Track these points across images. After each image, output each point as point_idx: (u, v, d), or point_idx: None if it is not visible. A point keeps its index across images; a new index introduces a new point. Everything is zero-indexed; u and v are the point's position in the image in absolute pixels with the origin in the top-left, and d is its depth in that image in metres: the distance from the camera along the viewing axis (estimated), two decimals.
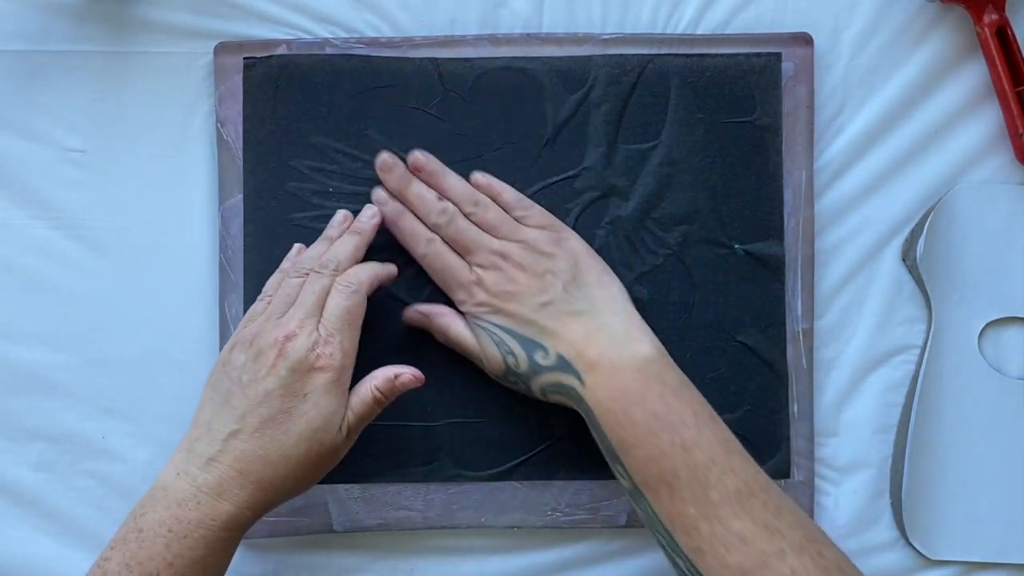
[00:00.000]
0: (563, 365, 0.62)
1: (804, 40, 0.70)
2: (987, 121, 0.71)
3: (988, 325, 0.70)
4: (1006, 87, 0.68)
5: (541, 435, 0.69)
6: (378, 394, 0.62)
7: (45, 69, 0.71)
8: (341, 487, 0.69)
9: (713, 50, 0.70)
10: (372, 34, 0.71)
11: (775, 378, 0.69)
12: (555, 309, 0.63)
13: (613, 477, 0.68)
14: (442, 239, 0.66)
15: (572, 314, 0.62)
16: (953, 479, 0.69)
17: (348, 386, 0.61)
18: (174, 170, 0.71)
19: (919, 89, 0.71)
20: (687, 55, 0.69)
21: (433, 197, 0.66)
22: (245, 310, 0.69)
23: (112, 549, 0.57)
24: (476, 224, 0.66)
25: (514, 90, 0.69)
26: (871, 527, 0.70)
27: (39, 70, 0.71)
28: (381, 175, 0.67)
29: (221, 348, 0.69)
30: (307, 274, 0.63)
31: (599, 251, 0.69)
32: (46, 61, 0.71)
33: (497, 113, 0.69)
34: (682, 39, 0.70)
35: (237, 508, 0.58)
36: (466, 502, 0.69)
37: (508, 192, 0.67)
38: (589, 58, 0.69)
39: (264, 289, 0.65)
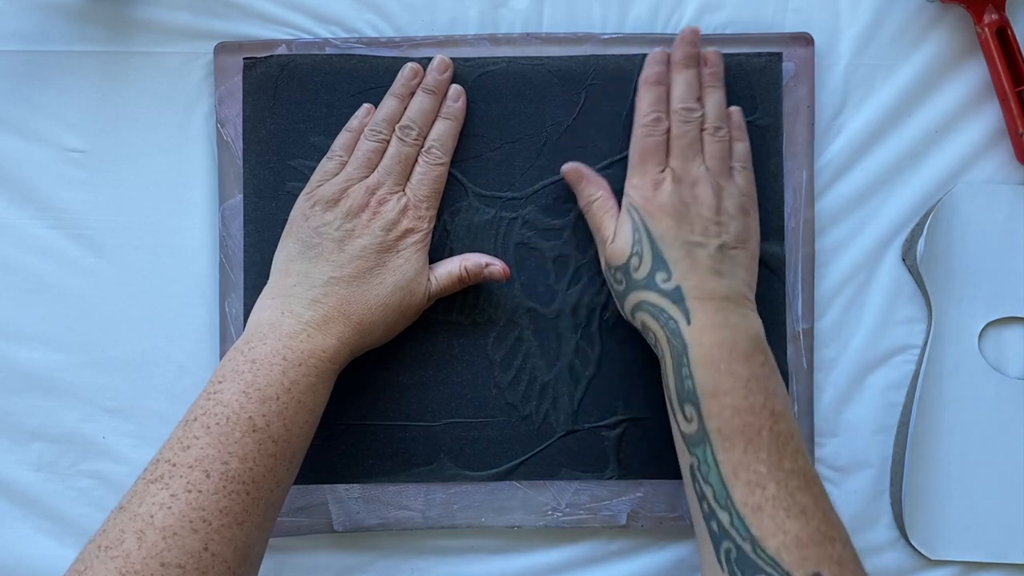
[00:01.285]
0: (677, 297, 0.62)
1: (804, 40, 0.70)
2: (987, 121, 0.71)
3: (988, 325, 0.70)
4: (1006, 87, 0.68)
5: (541, 435, 0.69)
6: (465, 273, 0.66)
7: (45, 69, 0.71)
8: (341, 487, 0.69)
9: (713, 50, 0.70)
10: (372, 34, 0.71)
11: None
12: (703, 253, 0.63)
13: (613, 477, 0.68)
14: (667, 127, 0.66)
15: (714, 271, 0.63)
16: (953, 479, 0.69)
17: (428, 247, 0.66)
18: (174, 170, 0.71)
19: (919, 89, 0.71)
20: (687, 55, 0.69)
21: (696, 93, 0.67)
22: (245, 310, 0.69)
23: (222, 383, 0.58)
24: (703, 142, 0.66)
25: (514, 90, 0.69)
26: (871, 527, 0.70)
27: (39, 70, 0.71)
28: (679, 41, 0.67)
29: (221, 348, 0.69)
30: (385, 138, 0.66)
31: (598, 251, 0.69)
32: (46, 61, 0.71)
33: (497, 113, 0.69)
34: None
35: (340, 343, 0.62)
36: (466, 502, 0.69)
37: (743, 144, 0.68)
38: (589, 58, 0.69)
39: (332, 148, 0.67)
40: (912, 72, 0.71)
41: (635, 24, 0.71)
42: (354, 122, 0.68)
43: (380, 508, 0.69)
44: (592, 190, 0.67)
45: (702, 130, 0.66)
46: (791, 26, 0.71)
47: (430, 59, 0.69)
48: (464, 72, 0.69)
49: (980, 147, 0.71)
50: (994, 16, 0.69)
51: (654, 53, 0.68)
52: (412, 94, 0.68)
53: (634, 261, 0.63)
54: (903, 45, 0.71)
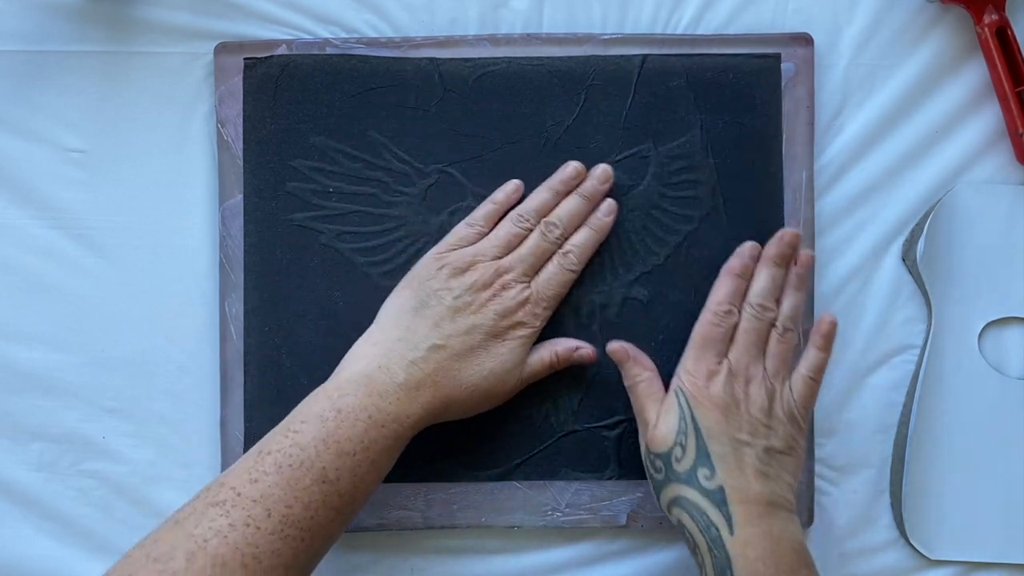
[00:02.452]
0: (719, 499, 0.60)
1: (804, 40, 0.70)
2: (987, 121, 0.71)
3: (988, 325, 0.70)
4: (1006, 87, 0.68)
5: (541, 435, 0.69)
6: (555, 359, 0.66)
7: (45, 69, 0.71)
8: None
9: (713, 50, 0.70)
10: (372, 34, 0.71)
11: None
12: (750, 453, 0.61)
13: (613, 477, 0.69)
14: (736, 321, 0.65)
15: (760, 473, 0.61)
16: (953, 479, 0.69)
17: (530, 348, 0.66)
18: (174, 170, 0.71)
19: (919, 89, 0.71)
20: (687, 55, 0.69)
21: (776, 293, 0.66)
22: (245, 310, 0.69)
23: (304, 423, 0.58)
24: (767, 341, 0.65)
25: (514, 90, 0.69)
26: (871, 527, 0.70)
27: (39, 70, 0.71)
28: (776, 239, 0.66)
29: (221, 348, 0.69)
30: (529, 228, 0.66)
31: (599, 251, 0.69)
32: (46, 61, 0.71)
33: (497, 113, 0.69)
34: (682, 39, 0.70)
35: (425, 412, 0.61)
36: (466, 502, 0.69)
37: (824, 355, 0.65)
38: (589, 58, 0.69)
39: (473, 216, 0.67)
40: (912, 72, 0.71)
41: (635, 24, 0.71)
42: (500, 195, 0.68)
43: (380, 508, 0.69)
44: (637, 371, 0.66)
45: (771, 327, 0.65)
46: (791, 26, 0.71)
47: (431, 59, 0.69)
48: (464, 72, 0.69)
49: (980, 147, 0.71)
50: (994, 16, 0.69)
51: (746, 246, 0.67)
52: (568, 193, 0.67)
53: (677, 451, 0.62)
54: (903, 45, 0.71)
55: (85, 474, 0.70)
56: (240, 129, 0.70)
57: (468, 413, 0.64)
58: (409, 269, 0.68)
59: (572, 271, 0.66)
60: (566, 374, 0.69)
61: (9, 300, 0.71)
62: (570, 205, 0.67)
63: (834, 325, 0.65)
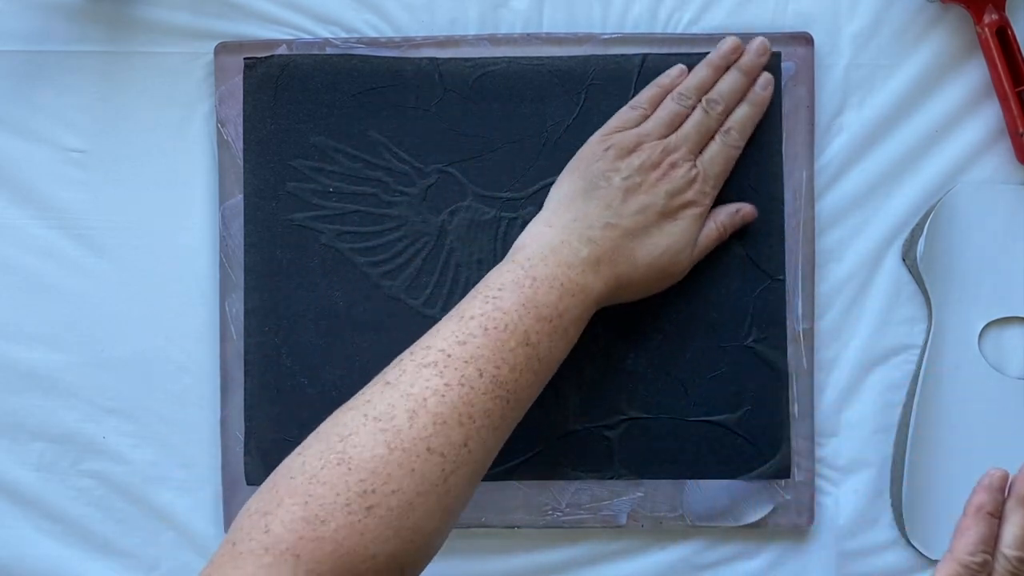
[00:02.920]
0: None
1: (804, 40, 0.70)
2: (987, 121, 0.71)
3: (988, 325, 0.70)
4: (1006, 87, 0.68)
5: (541, 435, 0.69)
6: (722, 229, 0.67)
7: (45, 69, 0.71)
8: None
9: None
10: (372, 34, 0.71)
11: (775, 378, 0.69)
12: None
13: (613, 477, 0.69)
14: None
15: None
16: (953, 479, 0.69)
17: (702, 225, 0.66)
18: (174, 170, 0.71)
19: (919, 89, 0.70)
20: (687, 55, 0.69)
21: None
22: (245, 310, 0.69)
23: (502, 290, 0.59)
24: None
25: (514, 90, 0.69)
26: (871, 527, 0.70)
27: (39, 70, 0.71)
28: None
29: (221, 348, 0.69)
30: (691, 106, 0.66)
31: None
32: (46, 61, 0.71)
33: (497, 113, 0.69)
34: (682, 39, 0.70)
35: (605, 287, 0.62)
36: None
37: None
38: (589, 58, 0.69)
39: (637, 99, 0.67)
40: (912, 72, 0.71)
41: (635, 24, 0.71)
42: (665, 79, 0.68)
43: None
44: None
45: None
46: (791, 26, 0.71)
47: (431, 59, 0.69)
48: (464, 72, 0.69)
49: (980, 147, 0.71)
50: (994, 16, 0.69)
51: (995, 478, 0.59)
52: (727, 68, 0.67)
53: None
54: (903, 45, 0.71)
55: (85, 474, 0.70)
56: (240, 129, 0.70)
57: (644, 293, 0.65)
58: (409, 269, 0.69)
59: (736, 148, 0.67)
60: (567, 372, 0.68)
61: (9, 300, 0.71)
62: (730, 80, 0.67)
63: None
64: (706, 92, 0.67)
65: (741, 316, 0.69)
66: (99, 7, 0.70)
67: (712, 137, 0.67)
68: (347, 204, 0.69)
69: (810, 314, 0.69)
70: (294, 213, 0.69)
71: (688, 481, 0.69)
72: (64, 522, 0.70)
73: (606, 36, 0.70)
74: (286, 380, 0.69)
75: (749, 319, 0.69)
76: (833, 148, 0.71)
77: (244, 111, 0.70)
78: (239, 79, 0.70)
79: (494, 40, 0.70)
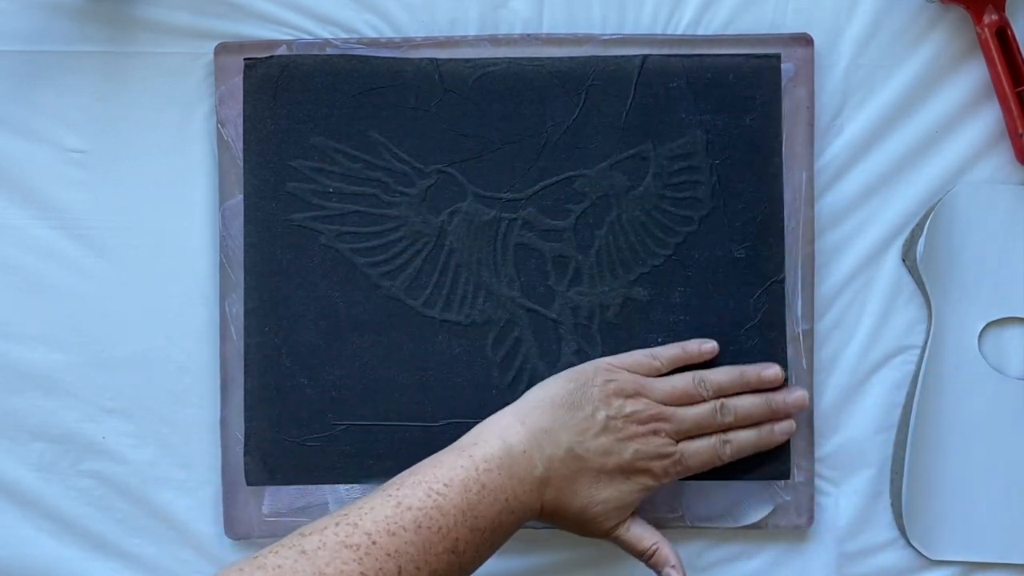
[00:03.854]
0: None
1: (804, 41, 0.70)
2: (987, 121, 0.71)
3: (988, 325, 0.70)
4: (1006, 87, 0.68)
5: None
6: (649, 553, 0.64)
7: (45, 69, 0.71)
8: (341, 487, 0.69)
9: (713, 51, 0.70)
10: (372, 34, 0.71)
11: None
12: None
13: None
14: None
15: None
16: (953, 479, 0.69)
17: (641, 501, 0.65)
18: (174, 170, 0.71)
19: (919, 89, 0.70)
20: (687, 56, 0.69)
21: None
22: (245, 310, 0.69)
23: (448, 488, 0.58)
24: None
25: (514, 90, 0.69)
26: (871, 527, 0.70)
27: (39, 70, 0.71)
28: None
29: (221, 348, 0.69)
30: (705, 399, 0.65)
31: (598, 252, 0.69)
32: (46, 61, 0.71)
33: (497, 113, 0.69)
34: (682, 40, 0.70)
35: (543, 510, 0.62)
36: None
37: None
38: (589, 59, 0.69)
39: (659, 351, 0.67)
40: (912, 72, 0.71)
41: (635, 24, 0.71)
42: (693, 347, 0.68)
43: None
44: None
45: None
46: (791, 26, 0.71)
47: (431, 59, 0.69)
48: (464, 72, 0.69)
49: (980, 147, 0.71)
50: (994, 16, 0.69)
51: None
52: (755, 390, 0.67)
53: None
54: (903, 45, 0.71)
55: (85, 474, 0.70)
56: (240, 129, 0.70)
57: (565, 529, 0.64)
58: (409, 269, 0.69)
59: (722, 461, 0.66)
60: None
61: (9, 300, 0.71)
62: (752, 403, 0.67)
63: None
64: (725, 395, 0.66)
65: (741, 317, 0.69)
66: (99, 7, 0.70)
67: (708, 433, 0.66)
68: (347, 204, 0.69)
69: (810, 315, 0.69)
70: (294, 213, 0.69)
71: (688, 482, 0.69)
72: (64, 522, 0.70)
73: (606, 37, 0.70)
74: (286, 380, 0.69)
75: (749, 320, 0.69)
76: (833, 148, 0.71)
77: (244, 111, 0.69)
78: (239, 79, 0.70)
79: (494, 40, 0.70)
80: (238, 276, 0.70)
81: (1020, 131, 0.68)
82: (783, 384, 0.68)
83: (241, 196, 0.70)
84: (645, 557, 0.64)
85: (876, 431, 0.71)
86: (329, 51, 0.70)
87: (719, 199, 0.69)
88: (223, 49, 0.70)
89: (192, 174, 0.71)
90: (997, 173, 0.71)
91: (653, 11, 0.71)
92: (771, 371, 0.67)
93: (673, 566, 0.64)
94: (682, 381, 0.66)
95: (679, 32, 0.70)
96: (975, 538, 0.69)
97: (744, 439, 0.66)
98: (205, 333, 0.70)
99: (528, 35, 0.70)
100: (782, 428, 0.67)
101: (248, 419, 0.69)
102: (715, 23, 0.71)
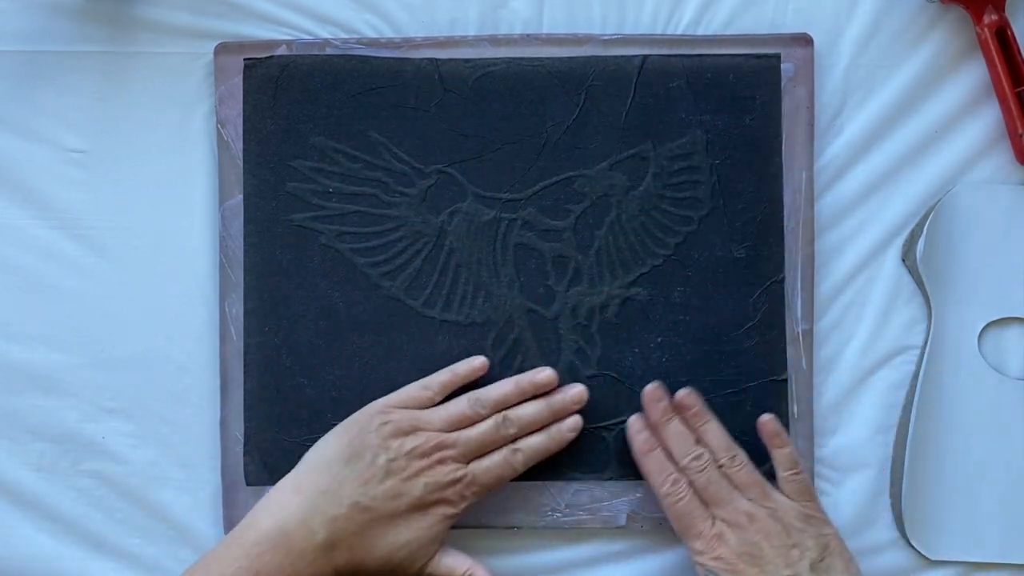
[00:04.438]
0: None
1: (804, 41, 0.70)
2: (987, 121, 0.71)
3: (988, 325, 0.70)
4: (1006, 87, 0.68)
5: None
6: None
7: (45, 69, 0.71)
8: None
9: (713, 51, 0.70)
10: (372, 34, 0.71)
11: (775, 379, 0.69)
12: None
13: (613, 477, 0.69)
14: (688, 483, 0.65)
15: None
16: (953, 479, 0.69)
17: (448, 531, 0.64)
18: (174, 170, 0.71)
19: (919, 89, 0.71)
20: (687, 56, 0.69)
21: (691, 439, 0.66)
22: (245, 310, 0.69)
23: None
24: (726, 476, 0.65)
25: (514, 91, 0.69)
26: (871, 527, 0.70)
27: (39, 70, 0.71)
28: (645, 404, 0.67)
29: (221, 348, 0.69)
30: (484, 417, 0.65)
31: (598, 252, 0.69)
32: (46, 61, 0.71)
33: (497, 113, 0.69)
34: (682, 40, 0.70)
35: (334, 572, 0.61)
36: None
37: (790, 448, 0.66)
38: (589, 59, 0.69)
39: (429, 380, 0.66)
40: (912, 72, 0.71)
41: (635, 25, 0.71)
42: (463, 368, 0.67)
43: None
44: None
45: (719, 467, 0.65)
46: (791, 26, 0.71)
47: (431, 60, 0.69)
48: (464, 73, 0.69)
49: (980, 147, 0.71)
50: (994, 16, 0.69)
51: (632, 422, 0.67)
52: (534, 395, 0.66)
53: None
54: (903, 45, 0.71)
55: (85, 474, 0.70)
56: (240, 129, 0.70)
57: None
58: (409, 269, 0.69)
59: (516, 470, 0.65)
60: (566, 375, 0.68)
61: (9, 300, 0.71)
62: (534, 410, 0.66)
63: (773, 421, 0.66)
64: (502, 409, 0.65)
65: (740, 317, 0.69)
66: (99, 7, 0.70)
67: (495, 448, 0.65)
68: (347, 204, 0.69)
69: (810, 315, 0.69)
70: (294, 213, 0.69)
71: None
72: (64, 522, 0.70)
73: (606, 37, 0.70)
74: (286, 380, 0.69)
75: (748, 320, 0.69)
76: (833, 148, 0.71)
77: (244, 111, 0.70)
78: (239, 79, 0.70)
79: (494, 41, 0.70)
80: (238, 276, 0.70)
81: (1020, 131, 0.68)
82: (560, 385, 0.67)
83: (241, 196, 0.70)
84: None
85: (876, 431, 0.71)
86: (329, 51, 0.70)
87: (719, 199, 0.69)
88: (223, 49, 0.70)
89: (192, 174, 0.71)
90: (997, 173, 0.71)
91: (653, 11, 0.71)
92: (543, 375, 0.66)
93: None
94: (457, 406, 0.65)
95: (679, 32, 0.70)
96: (975, 538, 0.69)
97: (534, 444, 0.66)
98: (205, 333, 0.70)
99: (528, 35, 0.70)
100: (569, 425, 0.66)
101: (248, 419, 0.69)
102: (715, 23, 0.71)
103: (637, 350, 0.69)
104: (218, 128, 0.70)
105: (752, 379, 0.69)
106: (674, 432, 0.66)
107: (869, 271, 0.71)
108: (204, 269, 0.71)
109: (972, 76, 0.71)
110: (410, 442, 0.63)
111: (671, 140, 0.69)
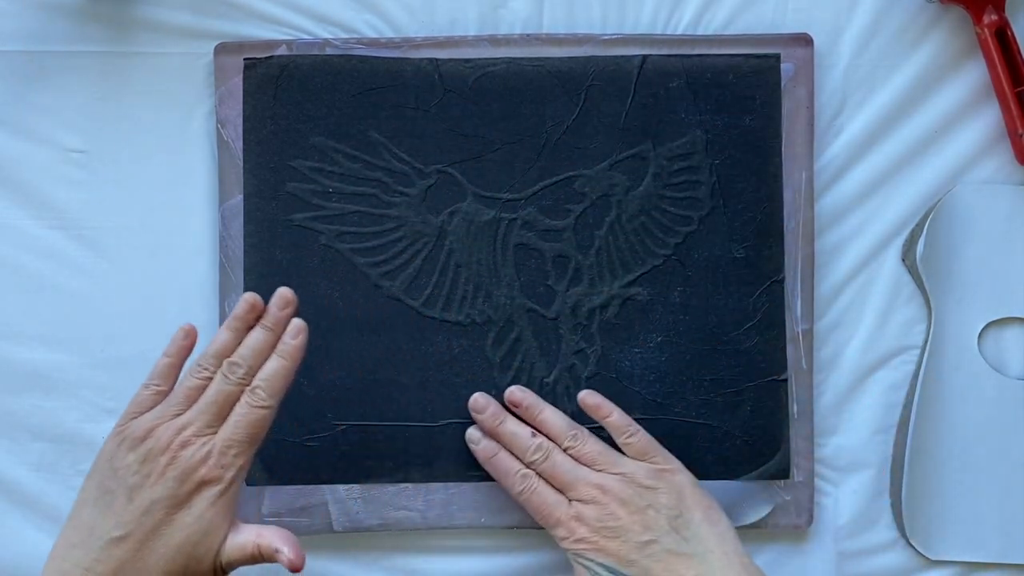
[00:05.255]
0: None
1: (804, 41, 0.70)
2: (987, 121, 0.71)
3: (988, 325, 0.70)
4: (1006, 87, 0.68)
5: None
6: (257, 552, 0.59)
7: (45, 69, 0.71)
8: (341, 487, 0.69)
9: (713, 51, 0.70)
10: (372, 34, 0.71)
11: (775, 379, 0.69)
12: (659, 548, 0.61)
13: None
14: (538, 475, 0.65)
15: (678, 555, 0.61)
16: (953, 479, 0.69)
17: (236, 501, 0.59)
18: (174, 170, 0.71)
19: (919, 89, 0.71)
20: (687, 56, 0.69)
21: (527, 434, 0.65)
22: None
23: None
24: (574, 457, 0.64)
25: (514, 90, 0.69)
26: (871, 527, 0.70)
27: (39, 70, 0.71)
28: (474, 415, 0.67)
29: None
30: (209, 376, 0.60)
31: (598, 252, 0.69)
32: (46, 61, 0.71)
33: (497, 113, 0.69)
34: (682, 40, 0.70)
35: None
36: (466, 502, 0.69)
37: (616, 414, 0.66)
38: (588, 59, 0.69)
39: (150, 375, 0.61)
40: (912, 72, 0.71)
41: (635, 25, 0.71)
42: (171, 347, 0.62)
43: (380, 508, 0.69)
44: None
45: (565, 450, 0.65)
46: (791, 26, 0.71)
47: (431, 60, 0.69)
48: (464, 73, 0.69)
49: (980, 147, 0.71)
50: (994, 16, 0.69)
51: (469, 434, 0.67)
52: (248, 328, 0.61)
53: None
54: (903, 45, 0.71)
55: (85, 474, 0.70)
56: (240, 129, 0.70)
57: None
58: (409, 269, 0.69)
59: (264, 407, 0.59)
60: (566, 375, 0.69)
61: (9, 300, 0.71)
62: (252, 340, 0.61)
63: (590, 395, 0.67)
64: (227, 356, 0.60)
65: (740, 317, 0.69)
66: (99, 7, 0.70)
67: (237, 400, 0.59)
68: (347, 204, 0.69)
69: (809, 315, 0.69)
70: (294, 213, 0.69)
71: None
72: (64, 522, 0.70)
73: (606, 37, 0.70)
74: None
75: (748, 320, 0.69)
76: (833, 148, 0.71)
77: (244, 111, 0.70)
78: (239, 79, 0.70)
79: (494, 41, 0.70)
80: (238, 276, 0.70)
81: (1020, 131, 0.68)
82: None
83: (241, 196, 0.70)
84: (256, 559, 0.59)
85: (876, 431, 0.71)
86: (329, 51, 0.70)
87: (719, 199, 0.69)
88: (223, 49, 0.70)
89: (192, 174, 0.71)
90: (997, 173, 0.71)
91: (653, 11, 0.71)
92: (242, 304, 0.61)
93: (278, 550, 0.58)
94: (181, 385, 0.60)
95: (679, 32, 0.70)
96: (975, 538, 0.69)
97: (269, 370, 0.60)
98: (205, 333, 0.70)
99: (528, 35, 0.70)
100: (291, 333, 0.61)
101: None
102: (715, 23, 0.71)
103: (637, 350, 0.69)
104: (218, 128, 0.70)
105: (752, 379, 0.69)
106: (509, 432, 0.66)
107: (869, 271, 0.71)
108: (204, 269, 0.71)
109: (972, 76, 0.71)
110: (147, 445, 0.58)
111: (671, 140, 0.69)
